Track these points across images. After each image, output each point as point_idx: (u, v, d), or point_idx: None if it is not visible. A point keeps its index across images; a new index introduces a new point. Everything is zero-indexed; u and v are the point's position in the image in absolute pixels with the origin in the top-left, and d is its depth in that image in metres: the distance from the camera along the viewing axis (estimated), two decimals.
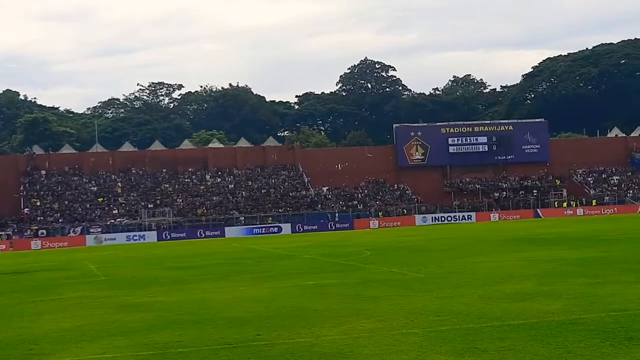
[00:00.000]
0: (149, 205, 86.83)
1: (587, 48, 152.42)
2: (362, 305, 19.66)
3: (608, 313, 16.57)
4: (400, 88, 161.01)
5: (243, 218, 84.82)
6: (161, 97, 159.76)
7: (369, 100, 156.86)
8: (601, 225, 58.70)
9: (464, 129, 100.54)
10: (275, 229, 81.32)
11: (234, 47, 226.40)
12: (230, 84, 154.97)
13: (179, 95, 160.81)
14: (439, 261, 32.52)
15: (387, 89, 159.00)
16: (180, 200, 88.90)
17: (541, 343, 13.73)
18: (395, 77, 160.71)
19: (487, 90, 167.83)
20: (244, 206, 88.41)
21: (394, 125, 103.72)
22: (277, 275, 29.82)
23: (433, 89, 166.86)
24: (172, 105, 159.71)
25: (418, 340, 14.57)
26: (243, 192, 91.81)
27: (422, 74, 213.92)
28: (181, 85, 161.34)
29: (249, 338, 15.63)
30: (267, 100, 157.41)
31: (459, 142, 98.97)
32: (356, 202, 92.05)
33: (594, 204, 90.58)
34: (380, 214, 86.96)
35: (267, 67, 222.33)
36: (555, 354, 12.91)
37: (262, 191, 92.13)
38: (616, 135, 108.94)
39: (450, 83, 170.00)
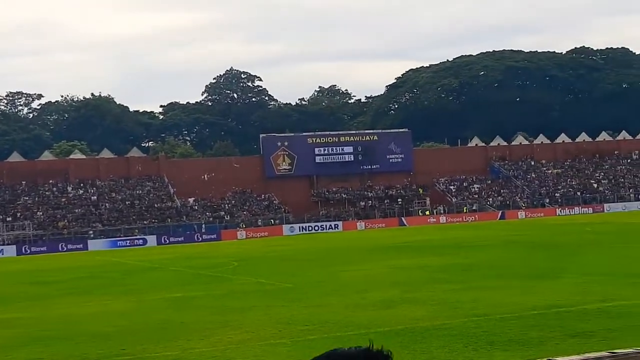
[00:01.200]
0: (7, 219, 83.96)
1: (447, 60, 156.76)
2: (230, 317, 19.55)
3: (470, 318, 17.00)
4: (266, 98, 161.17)
5: (103, 230, 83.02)
6: (20, 107, 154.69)
7: (235, 110, 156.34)
8: (463, 233, 60.31)
9: (329, 139, 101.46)
10: (140, 241, 79.93)
11: (96, 56, 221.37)
12: (92, 94, 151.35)
13: (38, 105, 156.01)
14: (306, 271, 32.69)
15: (254, 99, 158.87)
16: (41, 213, 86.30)
17: (407, 349, 13.95)
18: (261, 87, 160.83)
19: (352, 101, 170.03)
20: (108, 218, 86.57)
21: (261, 135, 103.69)
22: (143, 289, 29.34)
23: (299, 99, 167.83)
24: (31, 115, 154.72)
25: (286, 350, 14.57)
26: (106, 204, 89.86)
27: (288, 84, 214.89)
28: (41, 95, 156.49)
29: (113, 353, 15.27)
30: (131, 110, 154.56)
31: (325, 152, 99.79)
32: (223, 212, 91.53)
33: (465, 210, 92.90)
34: (242, 224, 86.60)
35: (130, 77, 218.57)
36: (420, 359, 13.13)
37: (127, 203, 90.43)
38: (476, 145, 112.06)
39: (316, 93, 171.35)
